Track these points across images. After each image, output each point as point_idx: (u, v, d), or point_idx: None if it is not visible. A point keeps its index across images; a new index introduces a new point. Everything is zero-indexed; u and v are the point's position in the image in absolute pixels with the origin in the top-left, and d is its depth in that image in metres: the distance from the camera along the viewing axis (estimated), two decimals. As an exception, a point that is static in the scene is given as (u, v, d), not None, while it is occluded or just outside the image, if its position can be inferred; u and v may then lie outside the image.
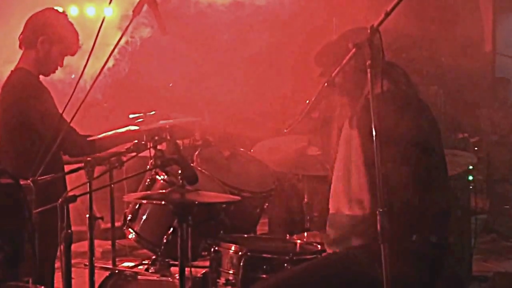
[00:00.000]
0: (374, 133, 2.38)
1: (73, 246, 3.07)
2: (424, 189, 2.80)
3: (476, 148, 7.38)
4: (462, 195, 5.03)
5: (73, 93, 3.29)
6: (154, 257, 3.84)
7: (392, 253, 2.33)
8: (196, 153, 4.05)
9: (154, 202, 3.65)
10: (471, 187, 5.14)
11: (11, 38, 4.44)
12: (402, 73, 3.00)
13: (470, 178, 5.20)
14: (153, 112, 4.23)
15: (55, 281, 3.88)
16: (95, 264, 3.52)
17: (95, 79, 3.40)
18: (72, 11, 5.85)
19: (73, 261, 3.13)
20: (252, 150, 4.30)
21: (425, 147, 2.83)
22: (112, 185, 4.16)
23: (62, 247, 3.02)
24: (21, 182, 2.71)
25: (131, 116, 4.29)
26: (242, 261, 3.29)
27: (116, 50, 3.41)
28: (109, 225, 4.51)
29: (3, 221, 2.73)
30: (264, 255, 3.32)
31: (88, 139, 3.78)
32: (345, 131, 3.00)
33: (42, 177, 3.25)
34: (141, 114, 4.18)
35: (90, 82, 3.45)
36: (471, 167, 5.05)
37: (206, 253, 3.70)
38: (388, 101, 2.67)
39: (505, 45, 8.45)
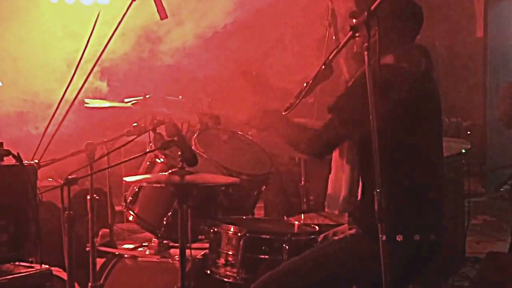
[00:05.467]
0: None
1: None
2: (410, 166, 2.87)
3: (468, 132, 7.44)
4: (455, 178, 5.08)
5: (73, 76, 3.35)
6: (154, 238, 3.89)
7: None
8: (194, 136, 4.08)
9: (154, 184, 3.70)
10: (464, 170, 5.19)
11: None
12: (411, 50, 3.02)
13: (463, 161, 5.25)
14: (148, 96, 4.28)
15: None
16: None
17: (95, 63, 3.46)
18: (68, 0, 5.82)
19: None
20: (250, 133, 4.34)
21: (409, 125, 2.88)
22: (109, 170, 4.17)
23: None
24: (25, 163, 2.76)
25: (126, 100, 4.33)
26: (241, 241, 3.33)
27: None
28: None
29: (7, 202, 2.79)
30: (263, 235, 3.36)
31: None
32: None
33: (44, 161, 3.31)
34: (138, 98, 4.23)
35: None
36: (463, 150, 5.11)
37: (203, 236, 3.76)
38: (381, 74, 2.68)
39: (496, 31, 8.49)
